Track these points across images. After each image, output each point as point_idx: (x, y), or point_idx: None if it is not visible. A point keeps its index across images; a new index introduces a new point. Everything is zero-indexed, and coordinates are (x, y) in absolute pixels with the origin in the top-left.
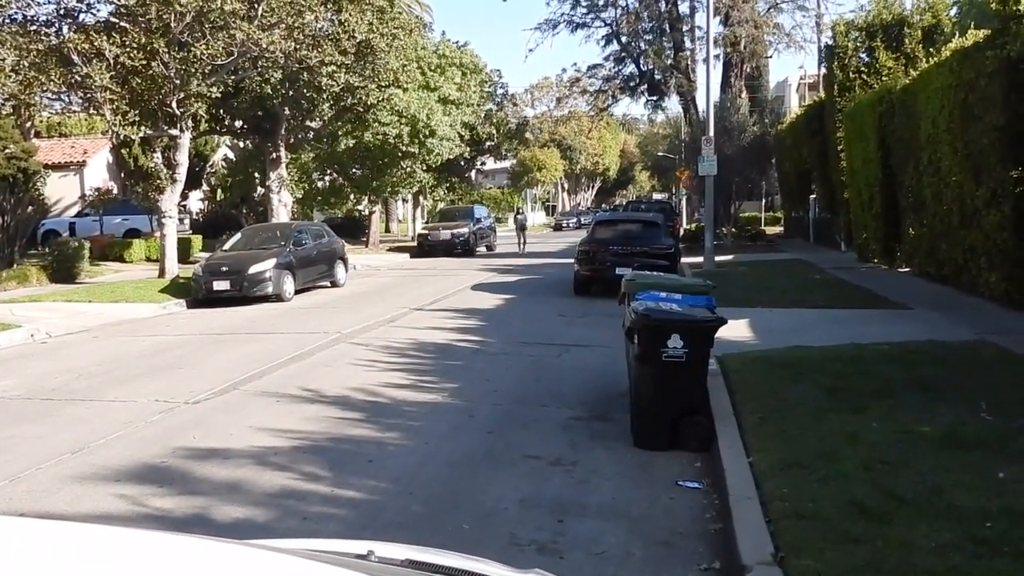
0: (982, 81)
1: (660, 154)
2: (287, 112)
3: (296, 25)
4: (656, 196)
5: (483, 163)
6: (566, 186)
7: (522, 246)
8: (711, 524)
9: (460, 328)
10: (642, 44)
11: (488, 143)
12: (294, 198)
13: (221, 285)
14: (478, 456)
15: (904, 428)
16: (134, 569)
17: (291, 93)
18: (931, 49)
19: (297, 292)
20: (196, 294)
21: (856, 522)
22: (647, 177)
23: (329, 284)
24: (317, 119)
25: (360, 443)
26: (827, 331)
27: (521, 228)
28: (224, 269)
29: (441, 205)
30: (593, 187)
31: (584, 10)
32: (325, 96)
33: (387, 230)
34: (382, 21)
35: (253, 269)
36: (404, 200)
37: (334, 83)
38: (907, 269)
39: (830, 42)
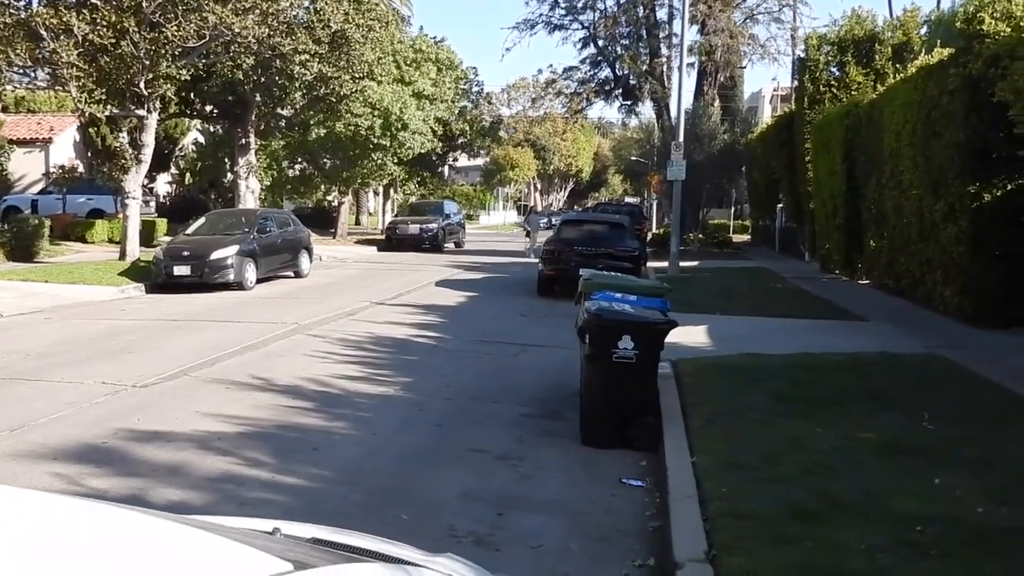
0: (945, 98)
1: (633, 158)
2: (258, 99)
3: (270, 11)
4: (628, 200)
5: (455, 159)
6: (539, 186)
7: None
8: (651, 522)
9: (420, 324)
10: (618, 49)
11: (461, 139)
12: (263, 185)
13: (182, 270)
14: (425, 449)
15: (848, 435)
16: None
17: (263, 80)
18: (900, 66)
19: (260, 281)
20: (156, 278)
21: (791, 523)
22: (620, 181)
23: (293, 274)
24: (288, 107)
25: (307, 432)
26: (783, 340)
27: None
28: (185, 254)
29: (413, 199)
30: (566, 188)
31: (562, 11)
32: (297, 85)
33: (357, 222)
34: (358, 12)
35: (215, 255)
36: (375, 193)
37: (306, 72)
38: (867, 281)
39: (803, 55)
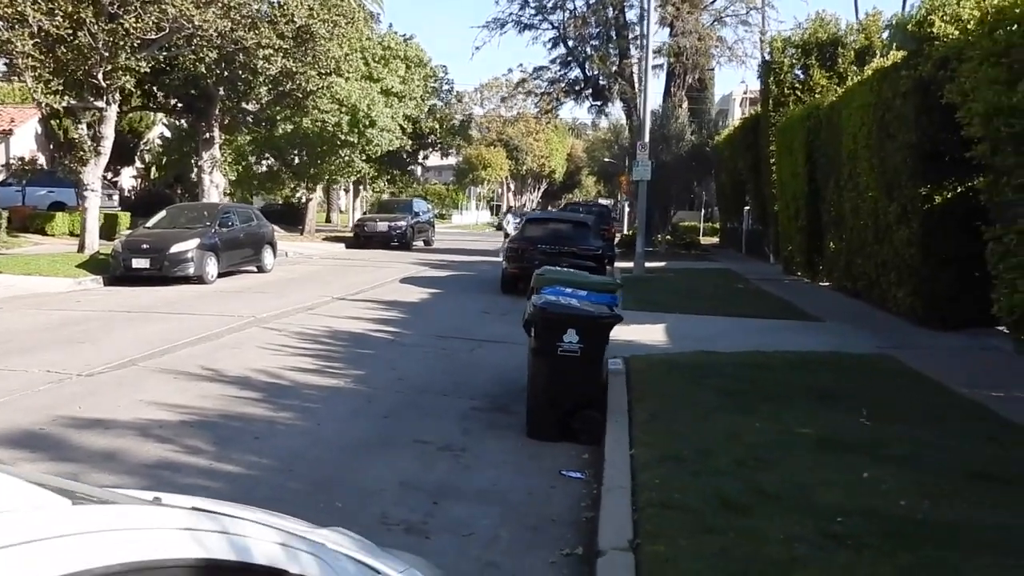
0: (897, 100)
1: (606, 159)
2: (222, 93)
3: (232, 4)
4: (602, 201)
5: (425, 157)
6: (512, 186)
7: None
8: (585, 512)
9: (379, 319)
10: (588, 49)
11: (431, 137)
12: (228, 180)
13: (140, 263)
14: (369, 439)
15: (786, 430)
16: None
17: (226, 74)
18: (861, 69)
19: (221, 275)
20: (114, 271)
21: (717, 514)
22: (594, 182)
23: (256, 269)
24: (254, 102)
25: (251, 421)
26: (739, 338)
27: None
28: (145, 247)
29: (385, 196)
30: (539, 189)
31: (532, 11)
32: (262, 79)
33: (328, 220)
34: (324, 7)
35: (175, 248)
36: (345, 190)
37: (270, 66)
38: (827, 283)
39: (768, 58)
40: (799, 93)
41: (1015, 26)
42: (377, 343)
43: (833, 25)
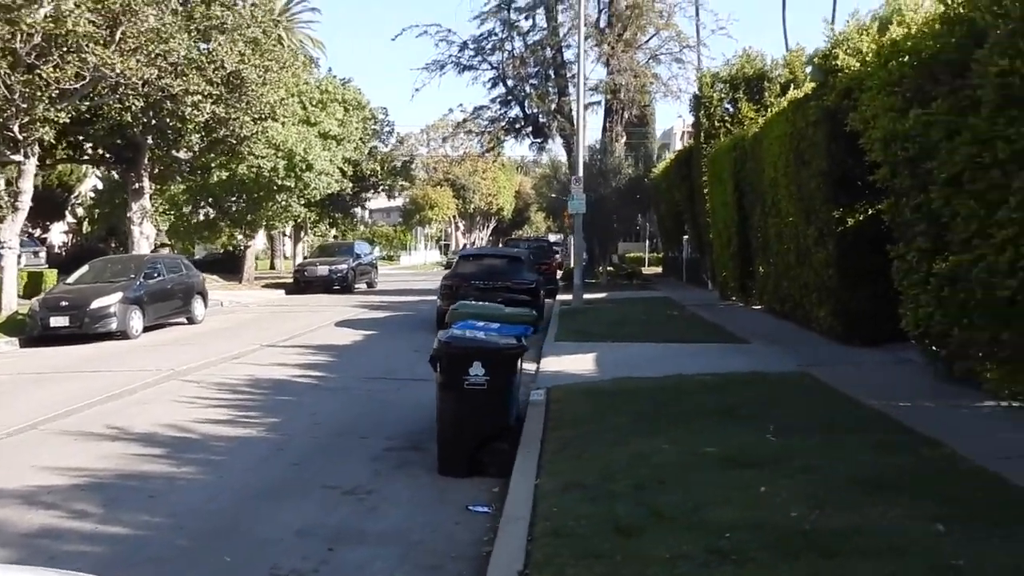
0: (810, 129)
1: (553, 195)
2: (150, 141)
3: (158, 52)
4: (552, 236)
5: (367, 199)
6: (460, 225)
7: None
8: (486, 547)
9: (306, 364)
10: (527, 88)
11: (372, 179)
12: (162, 231)
13: (59, 321)
14: (273, 488)
15: (693, 450)
16: None
17: (154, 122)
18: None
19: (148, 328)
20: (31, 331)
21: (607, 538)
22: (543, 217)
23: (186, 320)
24: (185, 150)
25: (148, 479)
26: (665, 363)
27: None
28: (64, 304)
29: (331, 239)
30: (488, 227)
31: (472, 53)
32: (192, 127)
33: (272, 266)
34: (255, 53)
35: (96, 304)
36: (288, 235)
37: (199, 113)
38: (759, 306)
39: (698, 93)
40: (729, 126)
41: (906, 57)
42: (298, 389)
43: (759, 60)
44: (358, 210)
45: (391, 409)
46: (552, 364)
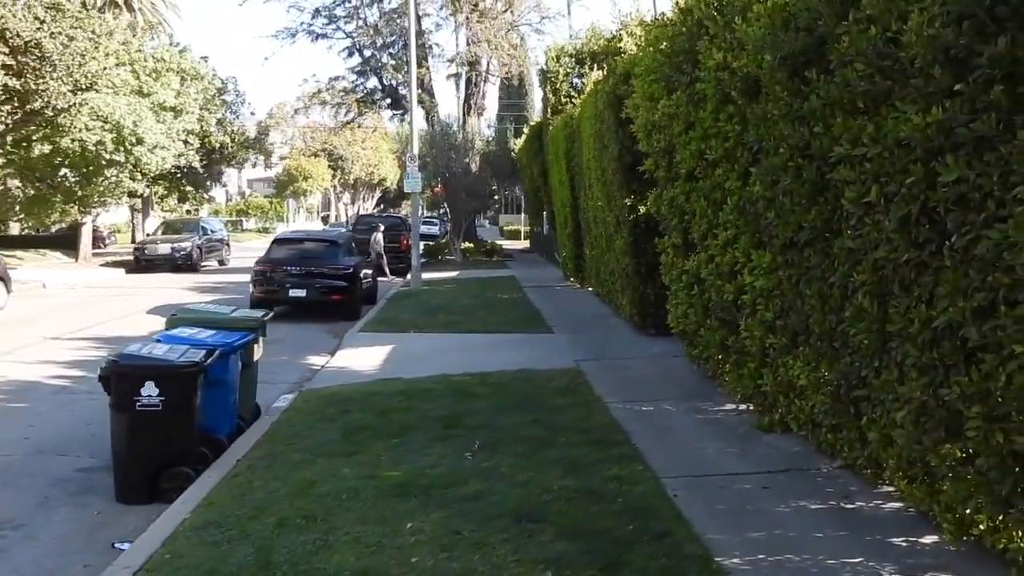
0: (605, 112)
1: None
2: None
3: None
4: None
5: (220, 172)
6: (341, 196)
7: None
8: None
9: (75, 362)
10: (384, 58)
11: (223, 152)
12: None
13: None
14: None
15: (373, 474)
16: None
17: None
18: None
19: None
20: None
21: None
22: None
23: None
24: None
25: None
26: (451, 358)
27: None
28: None
29: (188, 214)
30: (372, 197)
31: (324, 21)
32: None
33: (133, 240)
34: (55, 20)
35: None
36: (136, 210)
37: None
38: (591, 288)
39: (545, 67)
40: (574, 102)
41: (663, 44)
42: (42, 393)
43: (608, 35)
44: (214, 184)
45: None
46: (342, 359)
